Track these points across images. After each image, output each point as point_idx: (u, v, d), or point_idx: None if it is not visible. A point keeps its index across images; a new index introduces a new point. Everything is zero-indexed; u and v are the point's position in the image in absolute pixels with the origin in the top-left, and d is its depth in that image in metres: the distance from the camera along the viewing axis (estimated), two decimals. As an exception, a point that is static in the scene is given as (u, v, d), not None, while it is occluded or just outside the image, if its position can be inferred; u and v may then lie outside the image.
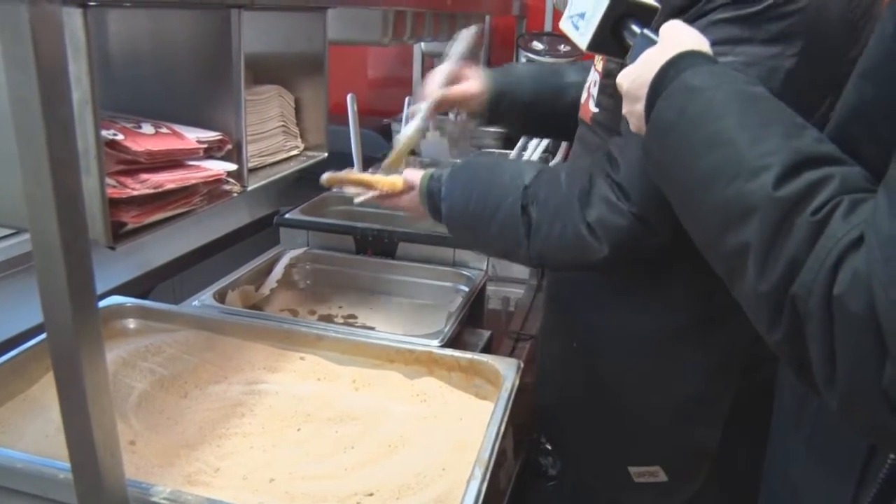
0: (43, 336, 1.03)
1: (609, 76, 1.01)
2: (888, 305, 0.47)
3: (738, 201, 0.60)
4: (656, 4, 0.85)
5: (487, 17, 2.61)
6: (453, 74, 1.29)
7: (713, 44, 0.80)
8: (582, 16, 0.86)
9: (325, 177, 1.14)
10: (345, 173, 1.15)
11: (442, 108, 1.31)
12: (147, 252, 1.63)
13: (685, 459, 1.08)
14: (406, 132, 1.26)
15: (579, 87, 1.17)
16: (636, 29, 0.83)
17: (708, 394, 1.04)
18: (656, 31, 0.81)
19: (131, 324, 1.18)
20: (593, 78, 1.08)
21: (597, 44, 0.86)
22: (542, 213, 0.98)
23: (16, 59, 0.50)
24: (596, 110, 1.06)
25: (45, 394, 0.99)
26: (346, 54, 2.56)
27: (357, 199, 1.15)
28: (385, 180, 1.13)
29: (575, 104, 1.16)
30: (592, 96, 1.07)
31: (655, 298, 1.03)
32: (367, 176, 1.14)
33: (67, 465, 0.70)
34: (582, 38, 0.87)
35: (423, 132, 1.36)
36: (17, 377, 0.99)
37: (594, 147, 1.07)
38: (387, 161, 1.27)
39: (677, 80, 0.71)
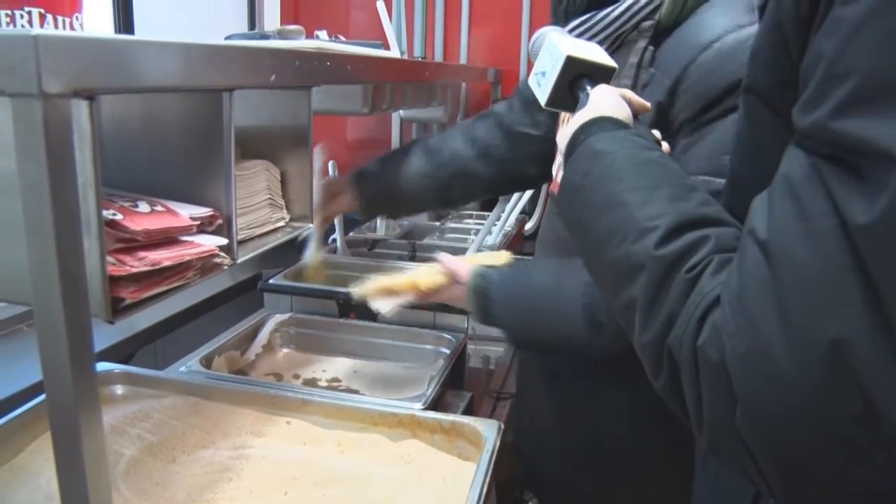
0: (29, 405, 1.05)
1: None
2: (733, 355, 0.52)
3: (627, 260, 0.64)
4: (613, 65, 0.89)
5: (463, 85, 2.68)
6: (330, 187, 1.41)
7: None
8: (543, 74, 0.91)
9: (357, 292, 1.17)
10: (380, 283, 1.17)
11: (328, 222, 1.49)
12: (130, 317, 1.64)
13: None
14: (308, 256, 1.45)
15: (479, 142, 1.32)
16: (588, 88, 0.87)
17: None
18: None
19: (119, 390, 1.20)
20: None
21: (553, 101, 0.90)
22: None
23: (28, 149, 0.53)
24: None
25: (32, 462, 1.00)
26: (327, 118, 2.62)
27: (386, 311, 1.16)
28: (427, 280, 1.14)
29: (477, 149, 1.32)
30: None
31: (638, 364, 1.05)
32: (406, 279, 1.16)
33: (59, 533, 0.72)
34: (542, 95, 0.91)
35: (322, 248, 1.52)
36: (3, 446, 1.00)
37: None
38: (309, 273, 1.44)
39: (583, 145, 0.76)
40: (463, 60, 2.86)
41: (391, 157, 1.49)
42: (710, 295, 0.57)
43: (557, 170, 1.14)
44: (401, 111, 2.62)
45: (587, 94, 0.85)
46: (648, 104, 0.88)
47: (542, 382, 1.21)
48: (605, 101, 0.83)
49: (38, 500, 0.91)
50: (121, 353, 1.53)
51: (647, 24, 1.00)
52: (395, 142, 2.93)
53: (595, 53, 0.89)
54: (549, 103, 0.91)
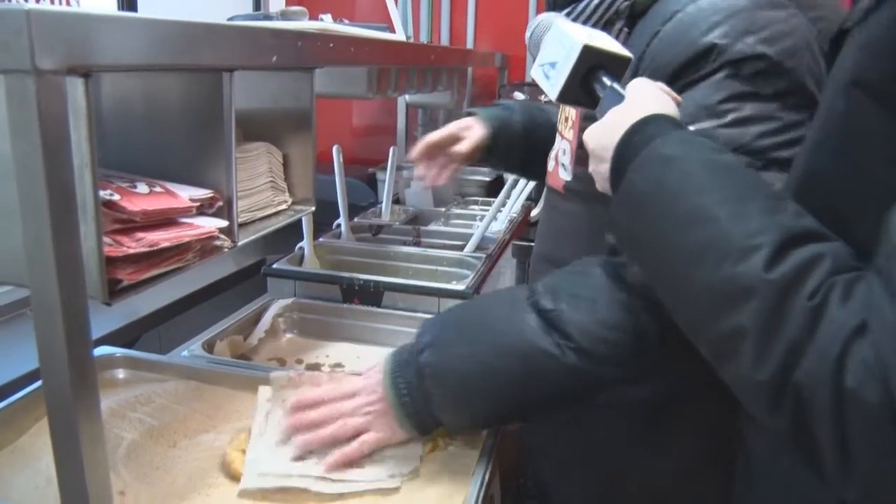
0: (31, 387, 1.05)
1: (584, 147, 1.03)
2: None
3: (728, 284, 0.58)
4: (629, 54, 0.84)
5: (470, 69, 2.67)
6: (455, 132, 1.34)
7: (720, 102, 0.81)
8: (553, 65, 0.84)
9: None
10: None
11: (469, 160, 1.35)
12: (133, 301, 1.64)
13: None
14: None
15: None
16: (606, 81, 0.81)
17: (710, 453, 1.02)
18: (626, 83, 0.80)
19: (120, 374, 1.19)
20: (562, 146, 1.08)
21: (566, 95, 0.83)
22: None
23: (21, 127, 0.53)
24: (568, 179, 1.06)
25: (33, 445, 0.99)
26: (331, 103, 2.61)
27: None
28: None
29: None
30: (563, 165, 1.07)
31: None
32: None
33: (58, 516, 0.72)
34: (552, 89, 0.84)
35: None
36: (6, 428, 1.00)
37: (570, 213, 1.08)
38: None
39: (648, 149, 0.69)
40: (469, 45, 2.84)
41: (517, 108, 1.43)
42: (848, 326, 0.51)
43: (556, 165, 1.12)
44: (406, 96, 2.61)
45: (612, 89, 0.80)
46: (681, 98, 0.82)
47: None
48: (649, 96, 0.76)
49: (40, 482, 0.90)
50: (124, 337, 1.53)
51: (624, 4, 0.98)
52: (400, 127, 2.91)
53: (608, 42, 0.84)
54: (560, 97, 0.84)
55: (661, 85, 0.80)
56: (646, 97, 0.76)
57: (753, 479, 0.79)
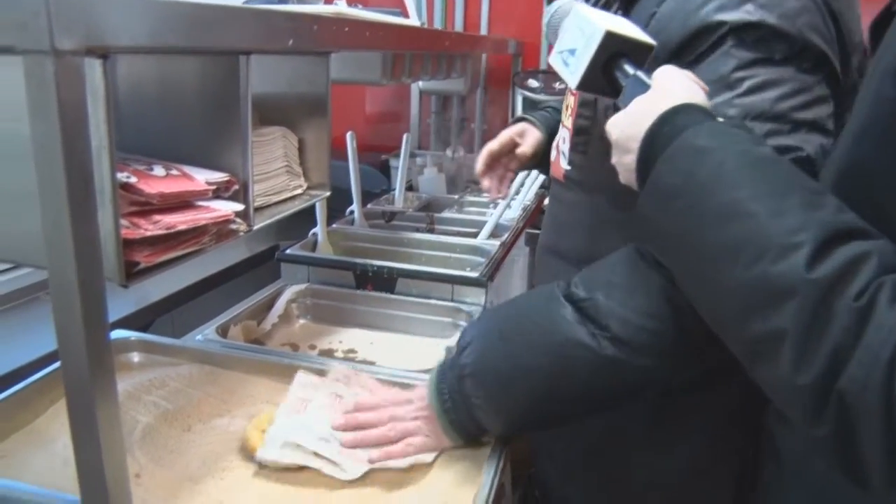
0: (47, 370, 1.05)
1: (580, 133, 1.01)
2: None
3: (765, 283, 0.56)
4: (652, 41, 0.81)
5: (484, 56, 2.65)
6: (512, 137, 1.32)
7: (732, 71, 0.79)
8: (572, 52, 0.81)
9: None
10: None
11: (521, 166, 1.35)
12: (146, 286, 1.65)
13: None
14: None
15: None
16: (629, 69, 0.78)
17: (716, 452, 1.01)
18: (650, 71, 0.77)
19: (135, 357, 1.20)
20: (562, 135, 1.07)
21: (586, 83, 0.81)
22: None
23: (40, 109, 0.52)
24: (568, 168, 1.05)
25: (49, 426, 1.00)
26: (345, 90, 2.60)
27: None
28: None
29: None
30: (563, 154, 1.07)
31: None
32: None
33: (73, 497, 0.72)
34: (572, 77, 0.82)
35: None
36: (22, 410, 1.00)
37: (571, 204, 1.07)
38: None
39: (679, 140, 0.66)
40: (483, 32, 2.82)
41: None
42: None
43: (557, 153, 1.11)
44: (420, 82, 2.60)
45: (636, 77, 0.77)
46: (707, 87, 0.79)
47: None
48: (678, 84, 0.73)
49: (56, 464, 0.91)
50: (138, 322, 1.54)
51: None
52: (413, 114, 2.91)
53: (631, 29, 0.81)
54: (580, 86, 0.81)
55: (688, 73, 0.78)
56: (674, 85, 0.73)
57: (784, 479, 0.76)
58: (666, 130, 0.68)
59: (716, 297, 0.63)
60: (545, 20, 0.97)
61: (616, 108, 0.79)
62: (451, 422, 0.93)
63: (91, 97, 0.57)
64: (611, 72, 0.80)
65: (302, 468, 0.92)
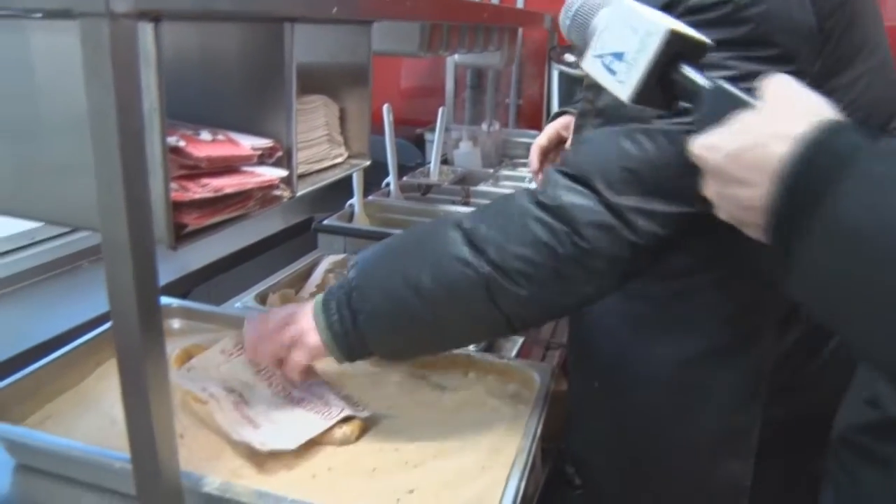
0: (92, 333, 1.08)
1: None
2: None
3: None
4: (708, 40, 0.69)
5: (520, 31, 2.63)
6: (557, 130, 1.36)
7: None
8: (619, 56, 0.68)
9: None
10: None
11: None
12: (185, 255, 1.68)
13: (720, 497, 1.05)
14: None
15: None
16: (698, 79, 0.65)
17: (736, 424, 1.01)
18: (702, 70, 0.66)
19: (176, 323, 1.22)
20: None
21: (643, 94, 0.67)
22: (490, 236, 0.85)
23: (96, 71, 0.53)
24: None
25: (95, 388, 1.03)
26: (381, 64, 2.59)
27: None
28: None
29: None
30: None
31: (674, 329, 1.00)
32: None
33: (122, 454, 0.74)
34: (622, 87, 0.68)
35: None
36: (71, 371, 1.03)
37: None
38: None
39: (855, 169, 0.53)
40: (519, 5, 2.80)
41: None
42: None
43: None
44: (456, 56, 2.59)
45: (722, 90, 0.63)
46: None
47: (584, 371, 1.14)
48: (805, 98, 0.60)
49: (104, 424, 0.93)
50: (176, 291, 1.56)
51: None
52: (449, 88, 2.90)
53: (681, 25, 0.68)
54: (637, 98, 0.68)
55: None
56: (795, 101, 0.60)
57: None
58: (823, 160, 0.55)
59: None
60: (567, 14, 0.81)
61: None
62: (334, 335, 0.90)
63: (143, 61, 0.58)
64: (666, 78, 0.67)
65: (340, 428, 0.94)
